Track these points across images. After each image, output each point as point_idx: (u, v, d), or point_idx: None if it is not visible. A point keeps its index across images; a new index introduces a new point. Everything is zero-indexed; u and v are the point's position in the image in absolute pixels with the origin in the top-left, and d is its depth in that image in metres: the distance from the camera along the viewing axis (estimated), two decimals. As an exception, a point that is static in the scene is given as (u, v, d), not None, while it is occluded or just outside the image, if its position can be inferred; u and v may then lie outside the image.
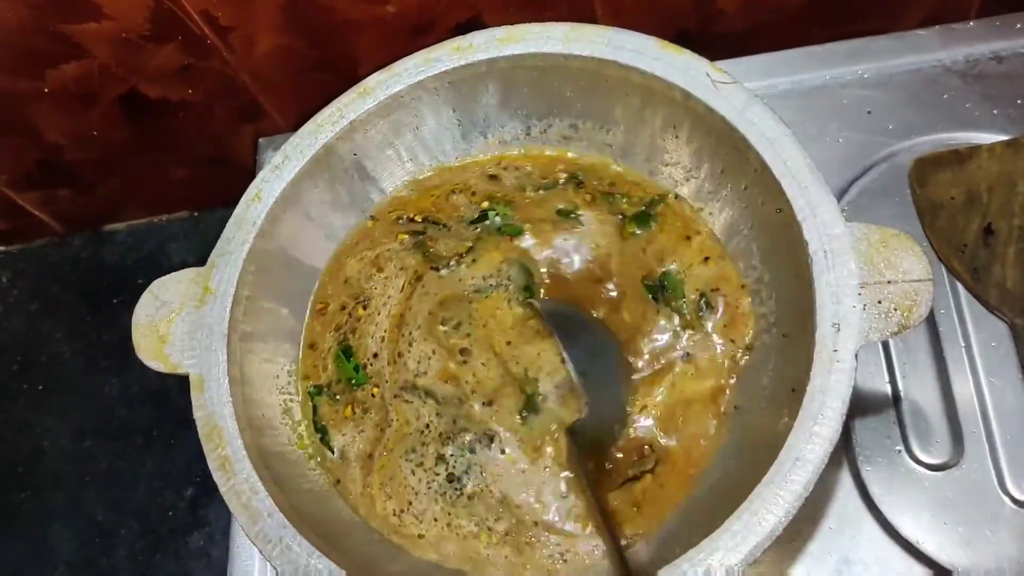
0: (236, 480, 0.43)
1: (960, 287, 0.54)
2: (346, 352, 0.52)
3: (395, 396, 0.50)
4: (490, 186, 0.55)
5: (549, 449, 0.48)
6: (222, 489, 0.43)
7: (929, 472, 0.50)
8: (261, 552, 0.42)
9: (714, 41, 0.64)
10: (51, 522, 0.66)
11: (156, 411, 0.68)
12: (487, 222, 0.53)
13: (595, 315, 0.51)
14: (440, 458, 0.49)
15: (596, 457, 0.48)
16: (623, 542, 0.46)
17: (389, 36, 0.61)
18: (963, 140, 0.58)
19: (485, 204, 0.54)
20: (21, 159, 0.68)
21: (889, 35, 0.62)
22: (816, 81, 0.61)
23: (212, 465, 0.44)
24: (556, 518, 0.47)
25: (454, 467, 0.48)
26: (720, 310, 0.49)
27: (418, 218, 0.54)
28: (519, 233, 0.52)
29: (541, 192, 0.54)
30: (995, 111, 0.58)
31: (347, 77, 0.52)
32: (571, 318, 0.50)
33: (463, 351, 0.50)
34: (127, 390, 0.69)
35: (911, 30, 0.62)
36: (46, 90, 0.61)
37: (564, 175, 0.54)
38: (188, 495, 0.65)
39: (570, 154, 0.55)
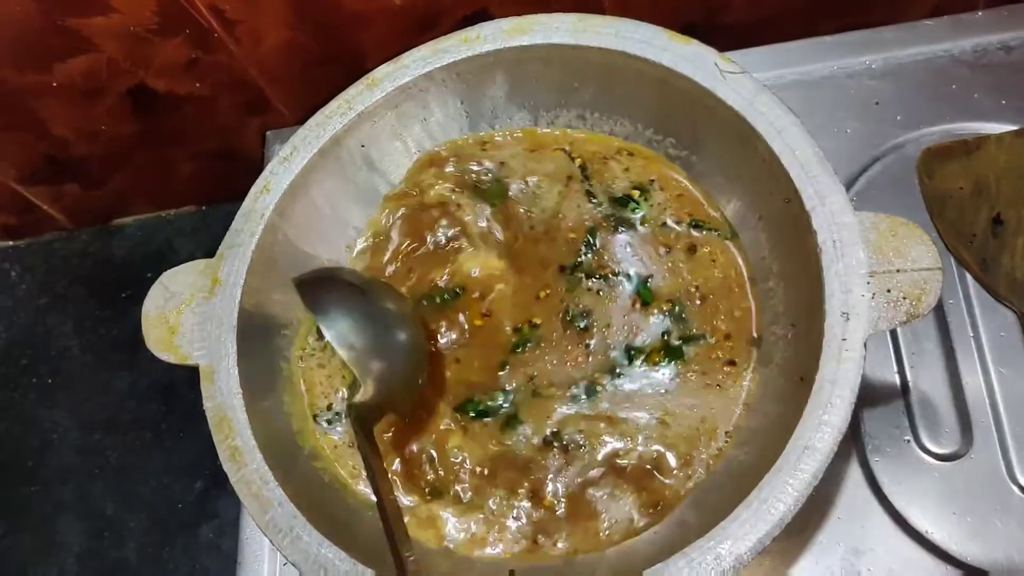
0: (246, 470, 0.43)
1: (969, 277, 0.54)
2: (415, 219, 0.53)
3: None
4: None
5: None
6: (232, 479, 0.43)
7: (938, 462, 0.50)
8: (271, 542, 0.42)
9: (720, 33, 0.64)
10: (60, 516, 0.66)
11: (165, 405, 0.68)
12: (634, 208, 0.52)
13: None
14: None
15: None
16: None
17: (395, 29, 0.61)
18: (971, 130, 0.58)
19: (635, 192, 0.52)
20: (29, 154, 0.68)
21: (897, 25, 0.62)
22: (823, 72, 0.61)
23: (222, 456, 0.44)
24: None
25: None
26: None
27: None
28: (648, 303, 0.49)
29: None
30: (1003, 101, 0.58)
31: (353, 70, 0.52)
32: (337, 284, 0.47)
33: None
34: (136, 384, 0.69)
35: (919, 20, 0.62)
36: (54, 84, 0.61)
37: (688, 217, 0.51)
38: (197, 488, 0.65)
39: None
